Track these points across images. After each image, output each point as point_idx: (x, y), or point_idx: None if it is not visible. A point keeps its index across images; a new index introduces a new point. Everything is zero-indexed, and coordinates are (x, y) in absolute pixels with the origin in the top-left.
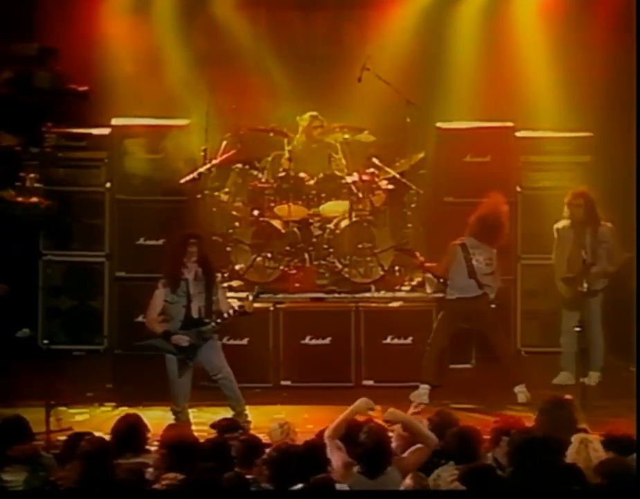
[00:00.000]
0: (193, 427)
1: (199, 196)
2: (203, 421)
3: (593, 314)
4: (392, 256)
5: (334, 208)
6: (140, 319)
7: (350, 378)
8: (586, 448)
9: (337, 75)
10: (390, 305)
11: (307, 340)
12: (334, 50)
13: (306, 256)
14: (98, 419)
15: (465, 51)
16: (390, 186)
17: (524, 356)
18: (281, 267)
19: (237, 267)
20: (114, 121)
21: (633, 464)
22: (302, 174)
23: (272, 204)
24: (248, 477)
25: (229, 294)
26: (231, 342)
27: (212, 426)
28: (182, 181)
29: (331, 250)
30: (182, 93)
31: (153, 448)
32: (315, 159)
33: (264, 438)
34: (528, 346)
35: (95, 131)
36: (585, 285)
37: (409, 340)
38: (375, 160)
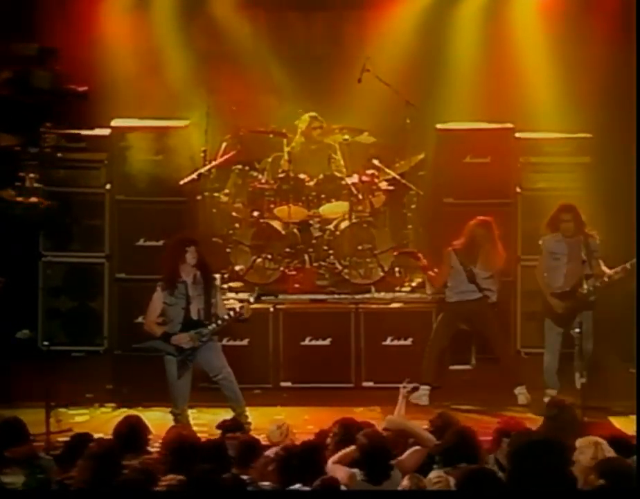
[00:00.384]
0: (193, 429)
1: (199, 197)
2: (203, 422)
3: (589, 328)
4: (392, 257)
5: (334, 209)
6: (140, 320)
7: (350, 379)
8: (595, 448)
9: (337, 76)
10: (390, 306)
11: (307, 341)
12: (334, 51)
13: (306, 257)
14: (98, 420)
15: (465, 52)
16: (390, 187)
17: (524, 357)
18: (281, 269)
19: (237, 268)
20: (114, 122)
21: (633, 465)
22: (302, 176)
23: (272, 205)
24: (245, 477)
25: (229, 295)
26: (231, 342)
27: (218, 427)
28: (182, 182)
29: (331, 251)
30: (182, 94)
31: (153, 449)
32: (315, 160)
33: (263, 439)
34: (528, 347)
35: (95, 132)
36: (592, 297)
37: (409, 341)
38: (374, 161)
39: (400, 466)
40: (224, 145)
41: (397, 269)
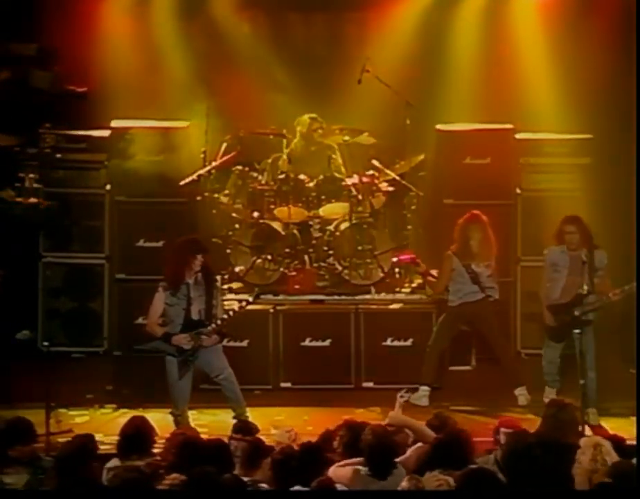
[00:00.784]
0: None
1: (198, 198)
2: (203, 422)
3: (587, 346)
4: (392, 258)
5: (334, 210)
6: (140, 320)
7: (350, 379)
8: (601, 452)
9: (337, 76)
10: (390, 307)
11: (307, 342)
12: (334, 52)
13: (306, 257)
14: (98, 421)
15: (465, 53)
16: (390, 188)
17: (524, 358)
18: (281, 269)
19: (237, 269)
20: (114, 123)
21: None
22: (302, 177)
23: (272, 206)
24: (247, 479)
25: (229, 296)
26: (231, 343)
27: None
28: (182, 183)
29: (331, 252)
30: (182, 95)
31: (157, 450)
32: (315, 161)
33: (266, 440)
34: (528, 348)
35: (94, 133)
36: (577, 313)
37: (409, 342)
38: (374, 162)
39: (403, 464)
40: (223, 146)
41: (397, 270)
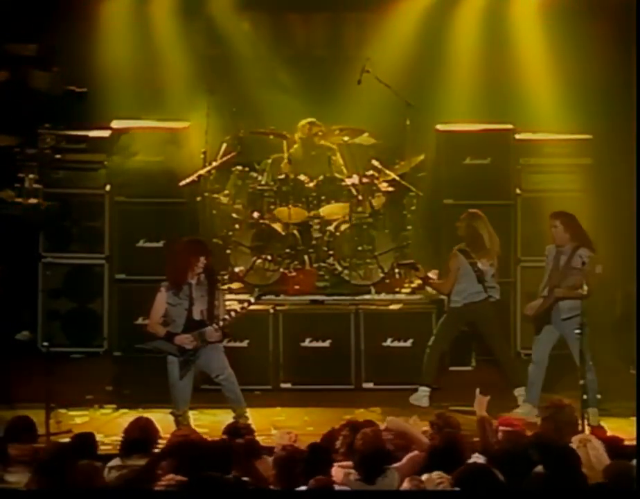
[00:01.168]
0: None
1: (198, 198)
2: (204, 423)
3: (572, 343)
4: (392, 258)
5: (334, 210)
6: (140, 321)
7: (349, 380)
8: (585, 447)
9: (337, 77)
10: (390, 307)
11: (306, 342)
12: (334, 52)
13: (306, 258)
14: (98, 421)
15: (465, 53)
16: (390, 189)
17: (524, 359)
18: (281, 270)
19: (237, 269)
20: (114, 123)
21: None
22: (302, 177)
23: (272, 207)
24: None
25: (229, 296)
26: (231, 344)
27: (225, 433)
28: (182, 183)
29: (331, 252)
30: (182, 95)
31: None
32: (315, 162)
33: (263, 442)
34: (528, 349)
35: (94, 133)
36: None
37: (409, 343)
38: (374, 162)
39: (398, 471)
40: (224, 146)
41: (397, 270)
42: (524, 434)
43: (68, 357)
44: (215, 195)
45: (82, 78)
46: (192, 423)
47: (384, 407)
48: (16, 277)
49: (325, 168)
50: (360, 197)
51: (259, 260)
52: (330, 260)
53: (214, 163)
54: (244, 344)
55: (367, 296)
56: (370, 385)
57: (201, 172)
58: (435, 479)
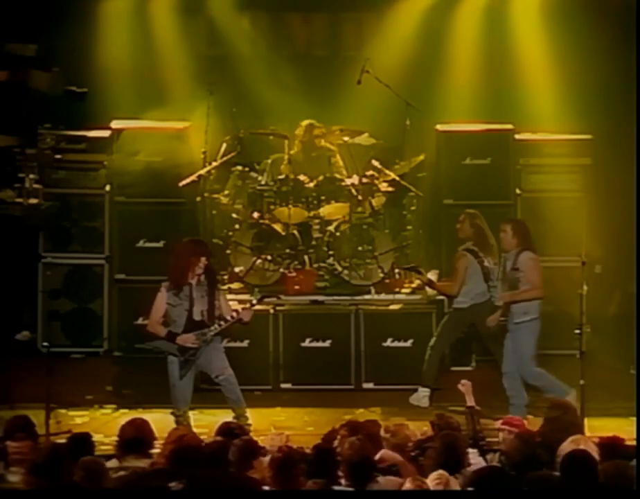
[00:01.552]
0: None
1: (198, 198)
2: (204, 423)
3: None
4: (392, 258)
5: (334, 210)
6: (140, 321)
7: (350, 380)
8: (578, 445)
9: (337, 77)
10: (390, 307)
11: (307, 343)
12: (334, 53)
13: (306, 258)
14: (98, 422)
15: (465, 53)
16: (390, 189)
17: None
18: (281, 270)
19: (237, 269)
20: (114, 123)
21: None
22: (302, 177)
23: (272, 207)
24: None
25: (229, 296)
26: (231, 344)
27: (218, 433)
28: (182, 183)
29: (331, 253)
30: (182, 95)
31: (153, 451)
32: (315, 162)
33: (261, 442)
34: None
35: (94, 133)
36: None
37: (409, 343)
38: (374, 162)
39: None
40: (223, 146)
41: (397, 270)
42: (535, 434)
43: (68, 358)
44: (215, 195)
45: (82, 78)
46: (192, 424)
47: (384, 408)
48: (16, 277)
49: (325, 168)
50: (360, 198)
51: (259, 261)
52: (330, 260)
53: (214, 163)
54: (245, 344)
55: (367, 297)
56: (370, 385)
57: (201, 172)
58: (435, 479)
